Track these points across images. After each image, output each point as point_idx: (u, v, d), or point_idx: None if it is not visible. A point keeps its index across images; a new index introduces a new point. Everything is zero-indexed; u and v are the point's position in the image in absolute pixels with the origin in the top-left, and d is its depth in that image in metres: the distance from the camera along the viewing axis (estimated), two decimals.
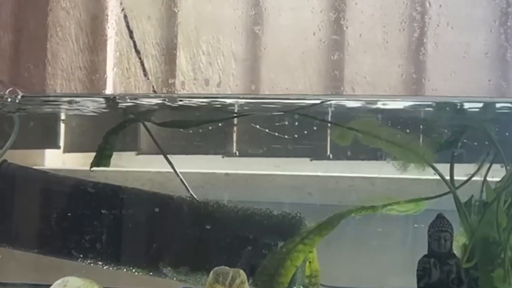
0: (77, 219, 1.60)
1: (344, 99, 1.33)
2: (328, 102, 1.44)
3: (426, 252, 1.46)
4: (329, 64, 1.26)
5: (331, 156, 1.72)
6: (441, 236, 1.45)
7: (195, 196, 1.65)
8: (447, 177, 1.47)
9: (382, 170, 1.70)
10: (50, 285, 1.43)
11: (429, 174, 1.48)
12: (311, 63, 1.27)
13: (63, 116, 1.80)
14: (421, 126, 1.57)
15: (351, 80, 1.25)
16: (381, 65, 1.24)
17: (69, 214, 1.61)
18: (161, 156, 1.69)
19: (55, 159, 1.92)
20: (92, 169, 1.61)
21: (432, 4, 1.24)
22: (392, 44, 1.23)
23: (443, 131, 1.55)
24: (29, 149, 1.82)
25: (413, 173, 1.55)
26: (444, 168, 1.49)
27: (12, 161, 1.68)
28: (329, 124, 1.62)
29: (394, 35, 1.23)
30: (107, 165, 1.62)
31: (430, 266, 1.45)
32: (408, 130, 1.52)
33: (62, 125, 1.82)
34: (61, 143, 1.82)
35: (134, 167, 1.86)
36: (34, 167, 1.77)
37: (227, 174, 1.83)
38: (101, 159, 1.61)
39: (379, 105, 1.40)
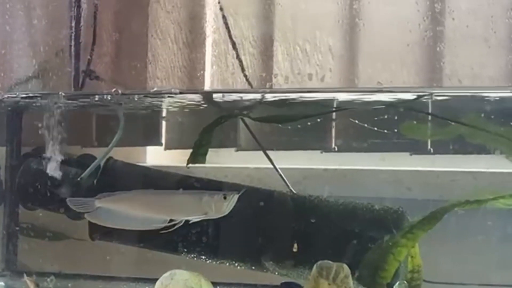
0: None
1: (449, 92, 1.31)
2: (429, 95, 1.42)
3: None
4: (433, 56, 1.24)
5: (431, 150, 1.69)
6: None
7: (295, 192, 1.66)
8: None
9: (485, 163, 1.67)
10: (157, 278, 1.47)
11: None
12: (413, 55, 1.25)
13: (164, 114, 1.85)
14: None
15: (456, 72, 1.23)
16: (487, 56, 1.21)
17: None
18: (260, 152, 1.70)
19: (156, 156, 1.96)
20: (191, 165, 1.64)
21: None
22: (498, 34, 1.20)
23: None
24: (133, 147, 1.86)
25: None
26: None
27: (116, 158, 1.73)
28: (429, 118, 1.60)
29: (500, 26, 1.20)
30: (203, 161, 1.64)
31: None
32: None
33: (163, 123, 1.86)
34: (163, 140, 1.87)
35: (233, 163, 1.88)
36: (138, 164, 1.82)
37: (325, 169, 1.82)
38: (197, 156, 1.63)
39: (484, 97, 1.37)
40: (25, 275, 1.66)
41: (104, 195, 1.51)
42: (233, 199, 1.47)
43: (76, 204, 1.51)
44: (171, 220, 1.48)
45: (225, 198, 1.47)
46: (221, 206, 1.47)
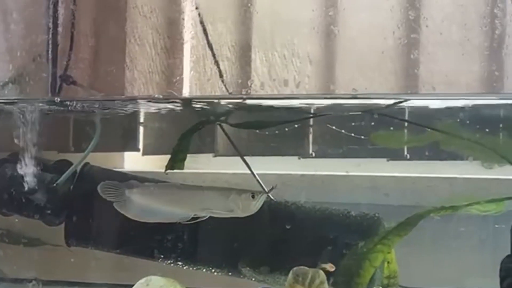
0: None
1: (423, 98, 1.32)
2: (406, 102, 1.43)
3: (509, 253, 1.44)
4: (407, 63, 1.25)
5: (408, 156, 1.70)
6: None
7: (272, 197, 1.66)
8: None
9: (461, 170, 1.68)
10: (133, 285, 1.47)
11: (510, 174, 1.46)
12: (388, 62, 1.26)
13: (141, 119, 1.84)
14: (502, 125, 1.54)
15: (430, 79, 1.24)
16: (461, 63, 1.22)
17: None
18: (238, 158, 1.71)
19: (134, 162, 1.95)
20: (170, 171, 1.64)
21: None
22: (472, 41, 1.21)
23: None
24: (110, 152, 1.85)
25: (493, 173, 1.52)
26: None
27: (93, 164, 1.72)
28: (406, 124, 1.61)
29: (474, 33, 1.21)
30: (182, 167, 1.64)
31: None
32: (489, 129, 1.50)
33: (141, 128, 1.86)
34: (140, 146, 1.86)
35: (211, 169, 1.88)
36: (115, 169, 1.81)
37: (303, 175, 1.83)
38: (176, 161, 1.63)
39: (459, 104, 1.38)
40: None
41: (134, 184, 1.47)
42: (261, 198, 1.42)
43: (107, 191, 1.47)
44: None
45: (253, 197, 1.42)
46: (248, 205, 1.42)
